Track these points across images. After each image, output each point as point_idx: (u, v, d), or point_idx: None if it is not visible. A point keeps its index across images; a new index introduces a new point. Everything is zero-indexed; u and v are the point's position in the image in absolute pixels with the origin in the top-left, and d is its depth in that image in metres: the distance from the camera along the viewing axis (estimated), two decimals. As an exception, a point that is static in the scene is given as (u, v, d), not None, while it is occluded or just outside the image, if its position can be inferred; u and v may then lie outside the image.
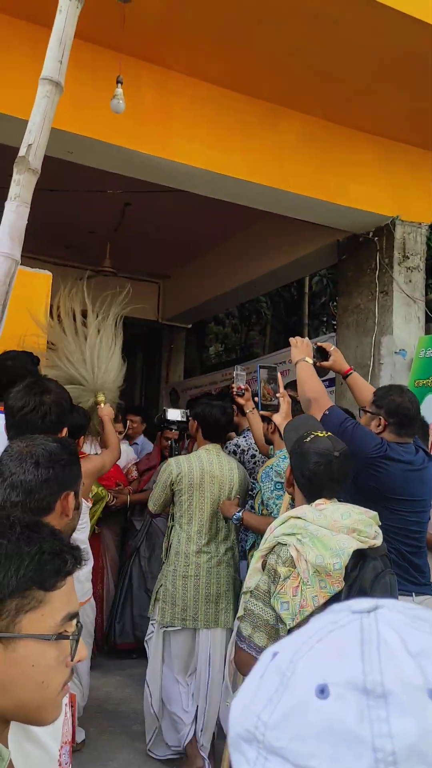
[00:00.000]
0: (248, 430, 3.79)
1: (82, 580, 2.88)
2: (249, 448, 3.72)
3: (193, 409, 3.39)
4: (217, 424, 3.15)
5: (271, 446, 3.08)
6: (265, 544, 1.82)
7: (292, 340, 2.75)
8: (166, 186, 4.38)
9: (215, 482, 3.06)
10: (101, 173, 4.21)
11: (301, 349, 2.66)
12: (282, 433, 2.42)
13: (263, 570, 1.78)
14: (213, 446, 3.16)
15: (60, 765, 1.56)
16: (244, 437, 3.82)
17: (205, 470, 3.05)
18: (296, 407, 2.70)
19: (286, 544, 1.73)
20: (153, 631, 3.12)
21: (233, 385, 3.33)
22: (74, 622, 0.90)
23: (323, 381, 2.76)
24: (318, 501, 1.83)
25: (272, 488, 2.78)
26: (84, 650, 0.92)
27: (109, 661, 4.30)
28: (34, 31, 3.45)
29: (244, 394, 3.28)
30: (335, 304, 5.60)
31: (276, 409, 2.73)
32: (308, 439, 1.90)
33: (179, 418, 4.02)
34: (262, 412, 2.86)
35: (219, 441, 3.23)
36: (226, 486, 3.08)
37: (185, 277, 7.84)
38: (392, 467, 2.31)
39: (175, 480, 3.04)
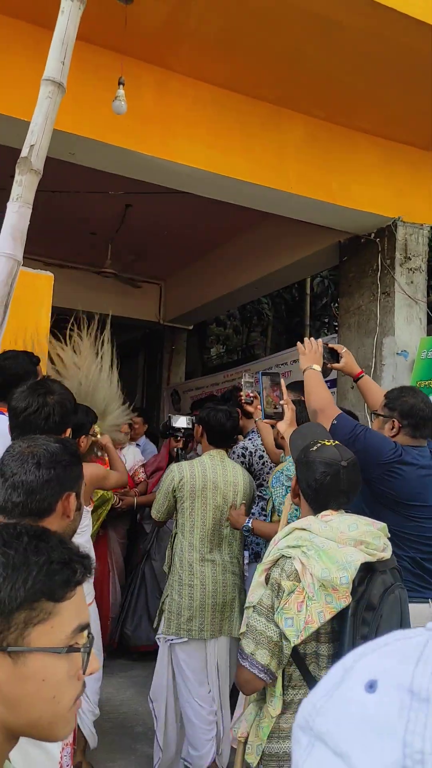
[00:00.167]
0: (253, 431, 3.78)
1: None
2: (256, 450, 3.70)
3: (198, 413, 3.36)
4: (222, 429, 3.09)
5: (282, 451, 3.04)
6: (268, 557, 1.75)
7: (300, 346, 2.64)
8: (167, 187, 4.38)
9: (218, 489, 2.98)
10: (102, 174, 4.21)
11: (309, 356, 2.57)
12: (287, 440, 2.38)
13: (266, 584, 1.71)
14: (218, 452, 3.11)
15: (61, 767, 1.55)
16: (250, 439, 3.80)
17: (207, 477, 2.98)
18: (302, 414, 2.64)
19: (290, 557, 1.67)
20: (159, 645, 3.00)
21: (242, 393, 3.31)
22: (85, 633, 0.87)
23: (325, 382, 2.72)
24: (324, 512, 1.77)
25: (284, 493, 2.72)
26: (96, 662, 0.89)
27: (110, 662, 4.29)
28: (36, 32, 3.45)
29: (252, 401, 3.23)
30: (336, 305, 5.59)
31: (280, 416, 2.67)
32: (314, 448, 1.83)
33: (185, 425, 3.96)
34: (265, 421, 2.80)
35: (224, 446, 3.18)
36: (230, 493, 3.01)
37: (186, 279, 7.84)
38: (408, 472, 2.24)
39: (177, 486, 2.97)
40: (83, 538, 2.69)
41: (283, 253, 6.05)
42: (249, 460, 3.69)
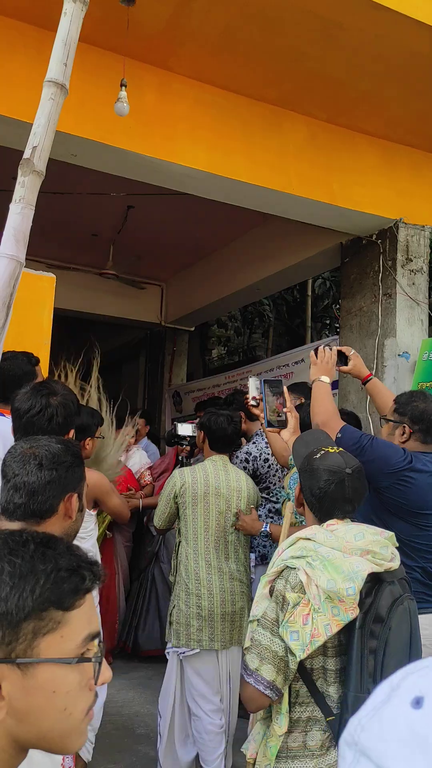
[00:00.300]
0: (257, 435, 3.76)
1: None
2: (261, 453, 3.68)
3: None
4: (223, 434, 3.07)
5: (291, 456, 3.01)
6: (272, 568, 1.69)
7: (312, 356, 2.56)
8: (169, 189, 4.39)
9: (221, 495, 2.94)
10: (104, 176, 4.22)
11: (320, 367, 2.50)
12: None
13: (271, 596, 1.65)
14: (220, 457, 3.07)
15: (63, 768, 1.55)
16: (254, 443, 3.78)
17: (210, 482, 2.94)
18: (305, 419, 2.61)
19: (295, 568, 1.61)
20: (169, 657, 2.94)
21: (248, 396, 3.29)
22: (96, 642, 0.84)
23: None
24: (329, 521, 1.72)
25: None
26: (108, 671, 0.86)
27: (111, 663, 4.29)
28: (39, 34, 3.46)
29: (258, 404, 3.23)
30: (338, 306, 5.60)
31: (284, 424, 2.62)
32: (318, 455, 1.78)
33: (190, 433, 3.95)
34: (268, 429, 2.74)
35: (226, 451, 3.14)
36: (233, 499, 2.96)
37: (188, 280, 7.85)
38: (419, 479, 2.18)
39: (179, 492, 2.93)
40: (89, 543, 2.67)
41: (284, 254, 6.05)
42: (254, 464, 3.66)
